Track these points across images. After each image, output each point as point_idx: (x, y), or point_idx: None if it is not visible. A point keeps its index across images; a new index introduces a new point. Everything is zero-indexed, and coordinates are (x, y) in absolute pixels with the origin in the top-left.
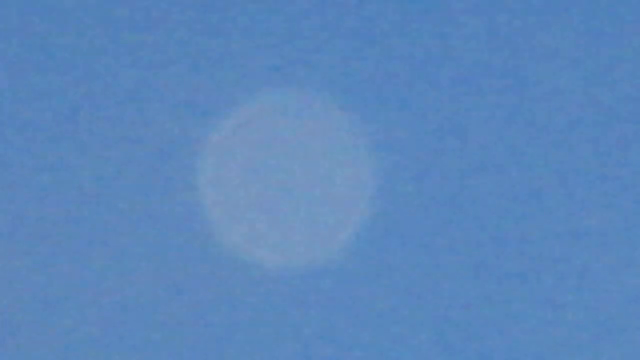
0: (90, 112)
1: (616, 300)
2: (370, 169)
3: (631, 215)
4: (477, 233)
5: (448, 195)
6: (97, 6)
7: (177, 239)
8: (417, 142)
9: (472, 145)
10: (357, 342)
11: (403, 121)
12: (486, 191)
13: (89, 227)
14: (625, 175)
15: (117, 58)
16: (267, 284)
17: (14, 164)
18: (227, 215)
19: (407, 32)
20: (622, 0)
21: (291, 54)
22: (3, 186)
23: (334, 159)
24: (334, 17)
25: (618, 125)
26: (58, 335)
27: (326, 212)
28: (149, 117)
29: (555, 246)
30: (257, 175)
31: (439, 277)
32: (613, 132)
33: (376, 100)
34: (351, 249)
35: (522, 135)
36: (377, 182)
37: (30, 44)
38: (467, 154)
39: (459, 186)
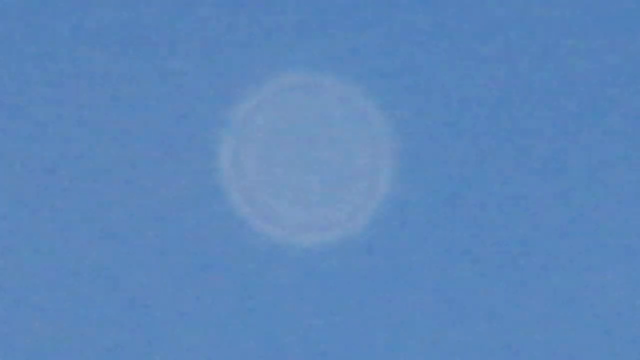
0: (113, 95)
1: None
2: (390, 149)
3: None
4: (494, 215)
5: (466, 176)
6: None
7: (198, 219)
8: (437, 123)
9: (492, 127)
10: (375, 321)
11: (423, 101)
12: (504, 175)
13: (108, 214)
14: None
15: (138, 37)
16: (286, 263)
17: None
18: (248, 196)
19: (429, 13)
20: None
21: (313, 36)
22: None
23: (354, 139)
24: (356, 1)
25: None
26: (89, 299)
27: (346, 191)
28: (169, 100)
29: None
30: (277, 156)
31: (456, 258)
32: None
33: (397, 82)
34: (372, 228)
35: (545, 120)
36: (397, 162)
37: (40, 29)
38: (487, 135)
39: (478, 169)
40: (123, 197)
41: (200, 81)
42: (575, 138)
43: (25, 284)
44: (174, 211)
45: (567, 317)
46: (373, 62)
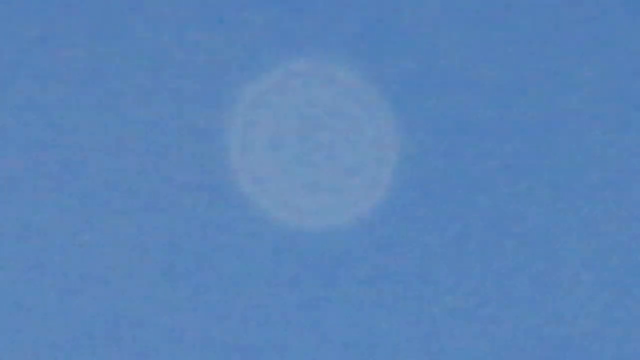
0: (118, 86)
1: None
2: (396, 137)
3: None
4: (496, 208)
5: (473, 163)
6: None
7: (208, 206)
8: (441, 114)
9: (496, 124)
10: (380, 305)
11: (429, 92)
12: (511, 165)
13: (118, 204)
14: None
15: (147, 24)
16: (295, 248)
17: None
18: (256, 181)
19: (436, 9)
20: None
21: (320, 21)
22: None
23: (360, 128)
24: None
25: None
26: (97, 282)
27: (352, 176)
28: (178, 90)
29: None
30: (285, 145)
31: (462, 244)
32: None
33: (402, 69)
34: (378, 213)
35: (549, 121)
36: (402, 150)
37: (49, 22)
38: (493, 125)
39: (484, 157)
40: (133, 186)
41: (210, 70)
42: (577, 138)
43: (29, 283)
44: (184, 199)
45: (566, 318)
46: (380, 53)
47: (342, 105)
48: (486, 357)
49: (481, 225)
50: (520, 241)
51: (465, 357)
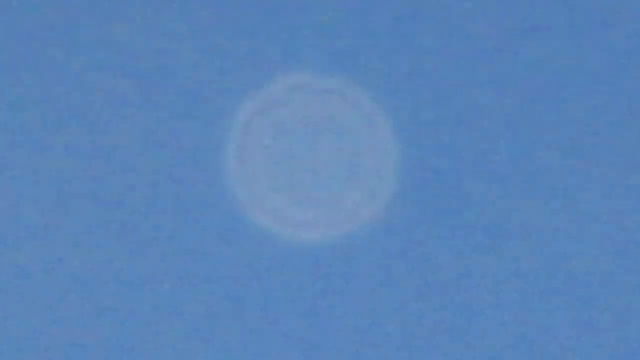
0: (116, 96)
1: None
2: (394, 149)
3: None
4: (500, 209)
5: (469, 177)
6: None
7: (204, 217)
8: (440, 124)
9: (497, 121)
10: (379, 315)
11: (427, 98)
12: (510, 168)
13: (114, 214)
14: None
15: (144, 34)
16: (291, 261)
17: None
18: (254, 193)
19: (430, 12)
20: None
21: (319, 37)
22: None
23: (358, 139)
24: (362, 4)
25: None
26: (96, 288)
27: (351, 190)
28: (176, 100)
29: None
30: (283, 156)
31: (461, 252)
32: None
33: (400, 80)
34: (376, 225)
35: (550, 124)
36: (401, 162)
37: (41, 28)
38: (492, 130)
39: (480, 169)
40: (128, 197)
41: (206, 81)
42: (575, 138)
43: (29, 284)
44: (180, 210)
45: (567, 322)
46: (378, 64)
47: (341, 117)
48: None
49: (482, 237)
50: (523, 248)
51: None
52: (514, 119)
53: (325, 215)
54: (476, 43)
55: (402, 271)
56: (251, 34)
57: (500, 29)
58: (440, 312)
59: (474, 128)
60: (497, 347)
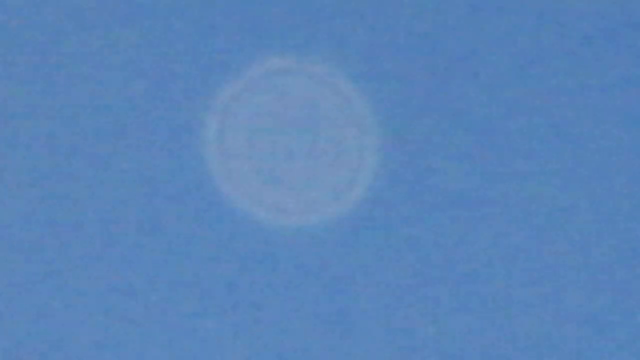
0: (99, 79)
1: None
2: (374, 135)
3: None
4: (477, 205)
5: (449, 163)
6: None
7: (185, 202)
8: (421, 109)
9: (478, 110)
10: (361, 301)
11: (408, 87)
12: (492, 159)
13: (95, 206)
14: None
15: (127, 22)
16: (274, 243)
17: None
18: (235, 178)
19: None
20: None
21: (299, 22)
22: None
23: (338, 124)
24: None
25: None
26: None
27: (333, 173)
28: (154, 87)
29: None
30: (263, 141)
31: (444, 238)
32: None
33: (382, 64)
34: (358, 209)
35: (537, 117)
36: (380, 147)
37: (39, 25)
38: (473, 117)
39: (464, 146)
40: (109, 187)
41: (185, 67)
42: (572, 137)
43: (25, 288)
44: (161, 198)
45: (564, 316)
46: (358, 49)
47: (321, 103)
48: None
49: (464, 219)
50: (513, 239)
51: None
52: (505, 112)
53: (306, 201)
54: (471, 38)
55: (385, 255)
56: (228, 22)
57: (494, 23)
58: (426, 300)
59: (457, 116)
60: (487, 334)
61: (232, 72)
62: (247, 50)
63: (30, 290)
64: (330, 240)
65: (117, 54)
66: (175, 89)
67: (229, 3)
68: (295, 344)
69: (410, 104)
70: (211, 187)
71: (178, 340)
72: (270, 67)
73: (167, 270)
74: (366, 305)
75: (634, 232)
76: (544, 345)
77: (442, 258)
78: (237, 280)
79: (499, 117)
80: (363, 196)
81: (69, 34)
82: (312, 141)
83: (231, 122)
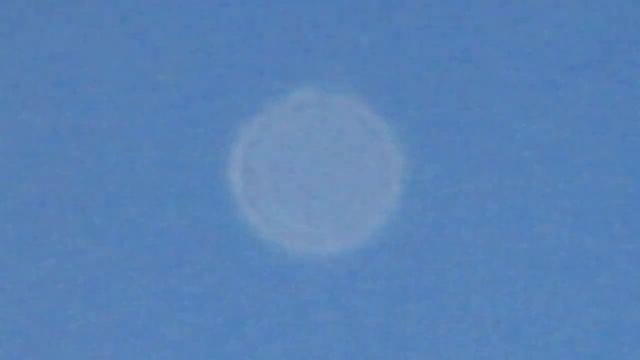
0: (127, 108)
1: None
2: (398, 163)
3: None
4: (503, 225)
5: (473, 188)
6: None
7: (210, 231)
8: (445, 139)
9: (498, 139)
10: (383, 331)
11: (430, 115)
12: (513, 185)
13: (120, 228)
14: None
15: (154, 49)
16: (296, 274)
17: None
18: (259, 209)
19: (434, 29)
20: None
21: (322, 51)
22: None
23: (361, 153)
24: (362, 18)
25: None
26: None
27: (355, 203)
28: (182, 113)
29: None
30: (288, 170)
31: (463, 268)
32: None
33: (403, 96)
34: (380, 238)
35: (552, 130)
36: (405, 176)
37: (48, 32)
38: (493, 147)
39: (484, 178)
40: (134, 210)
41: (213, 95)
42: (581, 143)
43: (28, 288)
44: (186, 224)
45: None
46: (383, 79)
47: (344, 133)
48: None
49: (484, 251)
50: (534, 252)
51: None
52: (519, 125)
53: (328, 230)
54: (484, 54)
55: (410, 281)
56: (255, 53)
57: (507, 41)
58: (450, 324)
59: (478, 138)
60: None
61: (259, 101)
62: (271, 83)
63: (47, 297)
64: (356, 268)
65: (145, 87)
66: (202, 121)
67: (258, 34)
68: None
69: (435, 135)
70: (237, 218)
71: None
72: (294, 99)
73: (192, 298)
74: (388, 333)
75: (634, 231)
76: None
77: (464, 287)
78: (261, 307)
79: (531, 158)
80: (386, 226)
81: (97, 68)
82: (336, 171)
83: (257, 154)
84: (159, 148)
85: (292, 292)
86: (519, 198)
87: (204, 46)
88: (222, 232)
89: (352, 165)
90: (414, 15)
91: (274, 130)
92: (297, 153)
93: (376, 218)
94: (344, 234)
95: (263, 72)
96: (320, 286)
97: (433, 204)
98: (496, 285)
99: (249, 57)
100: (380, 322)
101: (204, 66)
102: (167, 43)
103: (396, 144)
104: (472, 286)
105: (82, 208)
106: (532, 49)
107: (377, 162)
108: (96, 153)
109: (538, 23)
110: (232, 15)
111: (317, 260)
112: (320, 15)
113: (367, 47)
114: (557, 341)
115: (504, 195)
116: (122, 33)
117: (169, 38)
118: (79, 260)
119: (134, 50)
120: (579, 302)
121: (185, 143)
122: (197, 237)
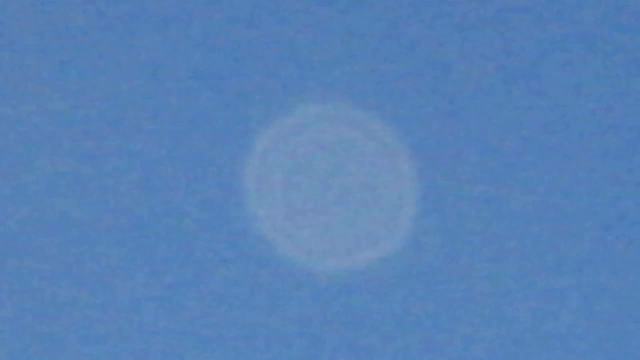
0: (144, 121)
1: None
2: (413, 177)
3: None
4: (519, 235)
5: (488, 197)
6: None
7: (224, 245)
8: (460, 152)
9: (513, 147)
10: (394, 345)
11: (447, 132)
12: (528, 193)
13: (133, 236)
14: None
15: (169, 63)
16: (310, 288)
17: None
18: (273, 224)
19: (445, 39)
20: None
21: (337, 65)
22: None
23: (375, 166)
24: (373, 30)
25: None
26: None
27: (370, 216)
28: (197, 126)
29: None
30: (301, 182)
31: (480, 280)
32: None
33: (419, 111)
34: (395, 252)
35: (563, 134)
36: (419, 190)
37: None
38: (508, 156)
39: (500, 189)
40: (150, 221)
41: (227, 109)
42: (588, 145)
43: (39, 288)
44: (201, 236)
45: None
46: (397, 94)
47: (359, 148)
48: None
49: (509, 259)
50: (554, 263)
51: None
52: (536, 137)
53: (343, 245)
54: (498, 64)
55: (423, 298)
56: (267, 67)
57: (518, 51)
58: (453, 345)
59: (494, 151)
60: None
61: (269, 118)
62: (284, 97)
63: (55, 293)
64: (370, 283)
65: (161, 99)
66: (215, 135)
67: (265, 50)
68: None
69: (450, 151)
70: (252, 232)
71: None
72: (308, 113)
73: (202, 310)
74: (403, 349)
75: (634, 232)
76: None
77: (480, 303)
78: (273, 322)
79: (542, 169)
80: (401, 241)
81: (117, 73)
82: (350, 185)
83: (269, 169)
84: (173, 158)
85: (303, 305)
86: (536, 214)
87: (219, 59)
88: (238, 248)
89: (365, 178)
90: (427, 22)
91: (288, 143)
92: (311, 166)
93: (390, 232)
94: (357, 249)
95: (278, 83)
96: (332, 300)
97: (449, 218)
98: (519, 296)
99: (264, 69)
100: (390, 334)
101: (220, 79)
102: (184, 55)
103: (411, 158)
104: (483, 299)
105: (98, 216)
106: (534, 49)
107: (391, 176)
108: (113, 161)
109: (538, 23)
110: (250, 27)
111: (330, 273)
112: (336, 27)
113: (382, 60)
114: None
115: (524, 214)
116: (137, 45)
117: (185, 50)
118: (85, 262)
119: (151, 63)
120: (594, 320)
121: (200, 155)
122: (209, 250)
